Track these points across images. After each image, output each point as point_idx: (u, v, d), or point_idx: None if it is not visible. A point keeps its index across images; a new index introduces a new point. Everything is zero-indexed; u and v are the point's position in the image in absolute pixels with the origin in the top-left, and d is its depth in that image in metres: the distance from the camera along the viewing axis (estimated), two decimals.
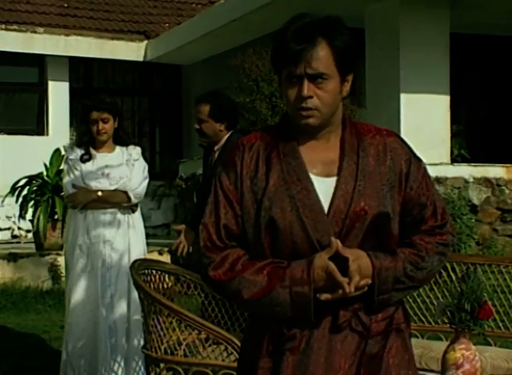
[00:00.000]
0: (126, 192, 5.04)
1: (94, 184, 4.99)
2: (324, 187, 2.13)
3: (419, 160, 2.25)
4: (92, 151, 5.08)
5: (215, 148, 5.09)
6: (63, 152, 5.23)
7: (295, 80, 2.12)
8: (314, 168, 2.16)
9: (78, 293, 4.90)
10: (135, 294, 4.88)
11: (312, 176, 2.15)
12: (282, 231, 2.11)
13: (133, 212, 5.11)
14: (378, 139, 2.21)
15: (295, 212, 2.10)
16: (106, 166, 5.04)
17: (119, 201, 5.02)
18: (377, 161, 2.17)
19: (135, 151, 5.18)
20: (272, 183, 2.14)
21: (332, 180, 2.14)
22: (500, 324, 4.51)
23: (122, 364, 4.88)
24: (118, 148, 5.13)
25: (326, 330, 2.11)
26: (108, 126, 5.02)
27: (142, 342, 4.12)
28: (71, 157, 5.06)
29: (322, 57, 2.10)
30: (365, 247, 2.11)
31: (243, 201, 2.16)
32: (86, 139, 5.08)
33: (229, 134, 5.06)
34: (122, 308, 4.93)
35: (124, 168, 5.08)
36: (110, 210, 5.00)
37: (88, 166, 5.03)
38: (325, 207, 2.12)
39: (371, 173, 2.15)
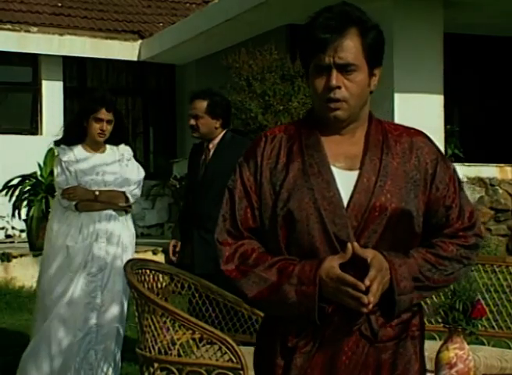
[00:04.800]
0: (123, 192, 4.97)
1: (89, 185, 4.88)
2: (345, 181, 2.10)
3: (448, 162, 2.21)
4: (84, 151, 4.94)
5: (210, 145, 5.07)
6: (56, 153, 5.07)
7: (323, 70, 2.09)
8: (336, 161, 2.12)
9: (68, 295, 4.79)
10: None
11: (334, 170, 2.11)
12: (298, 223, 2.07)
13: (127, 213, 5.03)
14: (404, 137, 2.18)
15: (313, 204, 2.07)
16: (100, 167, 4.92)
17: (117, 201, 4.92)
18: (402, 158, 2.13)
19: (126, 150, 5.06)
20: (291, 175, 2.11)
21: (354, 174, 2.11)
22: (494, 324, 4.51)
23: (108, 370, 4.82)
24: (108, 148, 5.00)
25: (336, 332, 2.08)
26: (110, 128, 4.90)
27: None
28: (64, 159, 4.90)
29: (352, 47, 2.08)
30: (384, 244, 2.07)
31: (261, 193, 2.13)
32: (78, 138, 4.93)
33: (223, 133, 5.05)
34: (114, 310, 4.84)
35: (118, 168, 4.97)
36: (104, 211, 4.88)
37: (82, 167, 4.90)
38: (345, 201, 2.08)
39: (394, 170, 2.11)
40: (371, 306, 1.99)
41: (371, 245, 2.07)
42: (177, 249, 5.19)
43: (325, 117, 2.13)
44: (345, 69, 2.08)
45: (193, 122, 5.01)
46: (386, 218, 2.07)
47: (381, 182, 2.09)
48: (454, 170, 2.22)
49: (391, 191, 2.09)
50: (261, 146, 2.17)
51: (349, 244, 2.01)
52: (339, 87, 2.08)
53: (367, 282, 1.97)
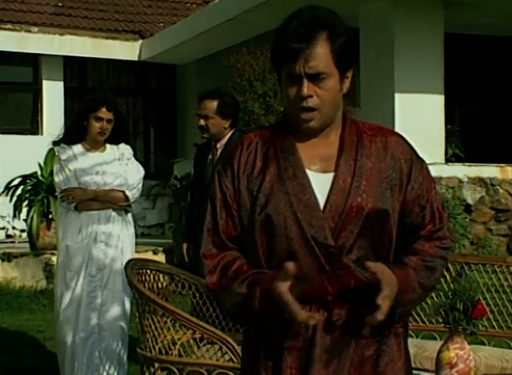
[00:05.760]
0: (123, 191, 4.97)
1: (88, 184, 4.89)
2: (321, 183, 2.11)
3: (421, 160, 2.22)
4: (83, 150, 4.95)
5: (218, 145, 5.04)
6: (56, 152, 5.08)
7: (295, 79, 2.10)
8: (311, 164, 2.14)
9: (69, 295, 4.81)
10: (130, 296, 4.86)
11: (309, 172, 2.13)
12: (276, 228, 2.09)
13: (127, 212, 5.03)
14: (379, 137, 2.18)
15: (289, 208, 2.08)
16: (100, 166, 4.93)
17: (116, 200, 4.92)
18: (377, 158, 2.15)
19: (127, 149, 5.06)
20: (267, 180, 2.12)
21: (330, 176, 2.12)
22: (494, 324, 4.52)
23: (113, 370, 4.82)
24: (108, 147, 5.01)
25: (321, 330, 2.09)
26: (110, 127, 4.91)
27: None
28: (63, 157, 4.91)
29: (321, 56, 2.08)
30: (361, 243, 2.09)
31: (240, 200, 2.15)
32: (78, 137, 4.94)
33: (231, 133, 5.02)
34: (115, 310, 4.84)
35: (118, 167, 4.98)
36: (104, 211, 4.89)
37: (82, 166, 4.91)
38: (322, 203, 2.09)
39: (369, 170, 2.12)
40: (375, 323, 2.00)
41: (349, 245, 2.09)
42: (190, 253, 5.19)
43: (299, 126, 2.15)
44: (316, 77, 2.09)
45: (202, 122, 4.93)
46: (363, 218, 2.09)
47: (356, 183, 2.11)
48: (427, 170, 2.23)
49: (367, 191, 2.10)
50: (237, 154, 2.19)
51: (290, 265, 1.98)
52: (310, 96, 2.09)
53: (379, 301, 1.98)
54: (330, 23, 2.11)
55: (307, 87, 2.08)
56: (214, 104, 4.93)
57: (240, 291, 2.09)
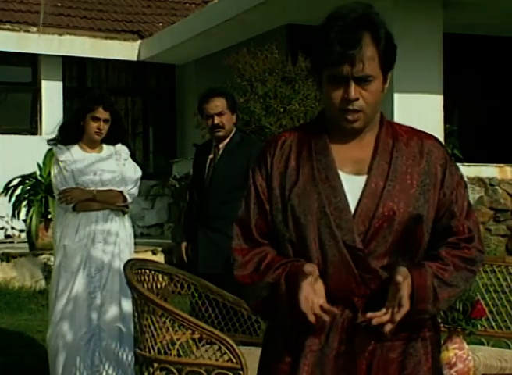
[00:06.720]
0: (121, 192, 4.97)
1: (86, 184, 4.88)
2: (353, 186, 2.11)
3: (455, 167, 2.21)
4: (81, 150, 4.95)
5: (220, 145, 5.04)
6: (54, 154, 5.08)
7: (340, 81, 2.08)
8: (344, 166, 2.14)
9: (68, 295, 4.80)
10: (127, 296, 4.86)
11: (342, 174, 2.12)
12: (308, 228, 2.10)
13: (124, 213, 5.02)
14: (415, 140, 2.18)
15: (321, 209, 2.09)
16: (98, 166, 4.93)
17: (115, 200, 4.92)
18: (412, 162, 2.14)
19: (123, 150, 5.05)
20: (301, 181, 2.13)
21: (362, 179, 2.12)
22: (493, 324, 4.51)
23: (111, 370, 4.81)
24: (105, 147, 5.01)
25: (345, 330, 2.10)
26: (107, 127, 4.90)
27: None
28: (61, 158, 4.91)
29: (369, 59, 2.08)
30: (392, 248, 2.09)
31: (272, 197, 2.16)
32: (75, 137, 4.94)
33: (233, 132, 5.03)
34: (113, 310, 4.83)
35: (115, 168, 4.97)
36: (102, 211, 4.89)
37: (80, 167, 4.90)
38: (353, 206, 2.10)
39: (403, 174, 2.11)
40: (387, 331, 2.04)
41: (380, 250, 2.08)
42: (189, 253, 5.20)
43: (341, 127, 2.13)
44: (363, 80, 2.08)
45: (218, 120, 4.92)
46: (394, 223, 2.08)
47: (389, 187, 2.10)
48: (461, 176, 2.22)
49: (399, 196, 2.10)
50: (270, 152, 2.20)
51: (308, 268, 2.03)
52: (357, 99, 2.09)
53: (397, 317, 2.02)
54: (373, 23, 2.10)
55: (354, 90, 2.08)
56: (223, 100, 4.95)
57: (269, 280, 2.09)
